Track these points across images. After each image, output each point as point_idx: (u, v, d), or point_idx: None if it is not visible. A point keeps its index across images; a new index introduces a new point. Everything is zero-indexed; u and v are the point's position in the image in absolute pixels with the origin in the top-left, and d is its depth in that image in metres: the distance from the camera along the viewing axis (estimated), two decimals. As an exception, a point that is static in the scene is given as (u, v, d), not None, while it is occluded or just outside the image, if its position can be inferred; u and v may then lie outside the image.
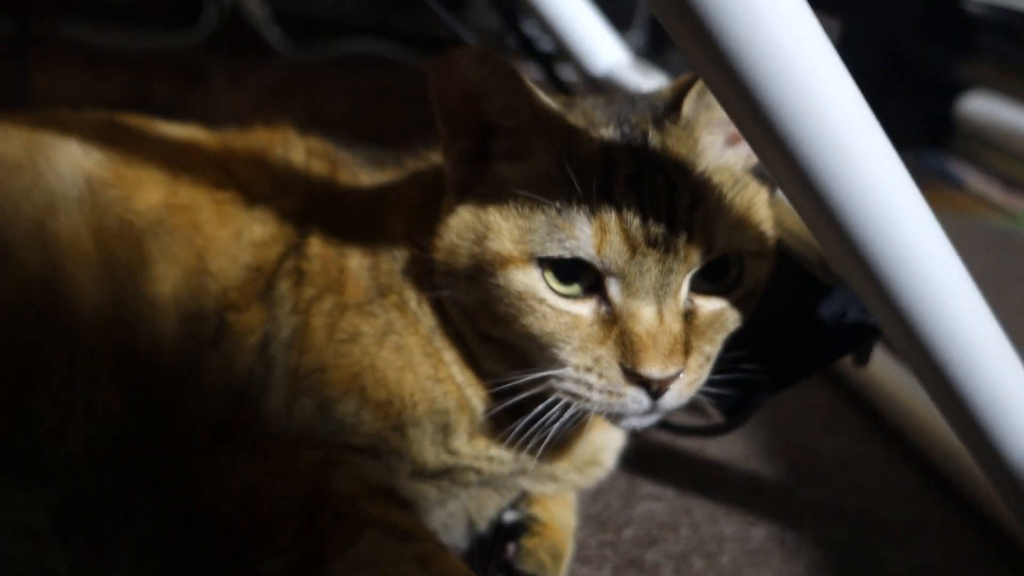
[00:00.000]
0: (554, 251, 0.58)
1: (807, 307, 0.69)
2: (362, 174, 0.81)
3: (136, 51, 2.34)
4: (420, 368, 0.66)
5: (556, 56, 1.21)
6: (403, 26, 2.78)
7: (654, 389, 0.58)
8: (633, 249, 0.57)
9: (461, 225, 0.63)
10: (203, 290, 0.67)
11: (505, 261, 0.59)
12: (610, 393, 0.59)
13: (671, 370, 0.57)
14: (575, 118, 0.62)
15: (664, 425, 0.87)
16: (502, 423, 0.65)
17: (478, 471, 0.68)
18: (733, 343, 0.66)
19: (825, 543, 0.86)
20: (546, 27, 1.16)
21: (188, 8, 2.57)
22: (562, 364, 0.60)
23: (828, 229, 0.52)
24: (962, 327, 0.56)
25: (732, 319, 0.63)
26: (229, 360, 0.66)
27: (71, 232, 0.65)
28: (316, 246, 0.71)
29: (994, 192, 2.33)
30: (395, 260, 0.69)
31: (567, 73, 1.24)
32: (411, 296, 0.68)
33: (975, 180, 2.41)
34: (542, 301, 0.59)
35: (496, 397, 0.66)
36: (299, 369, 0.66)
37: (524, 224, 0.60)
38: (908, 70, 3.33)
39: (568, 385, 0.60)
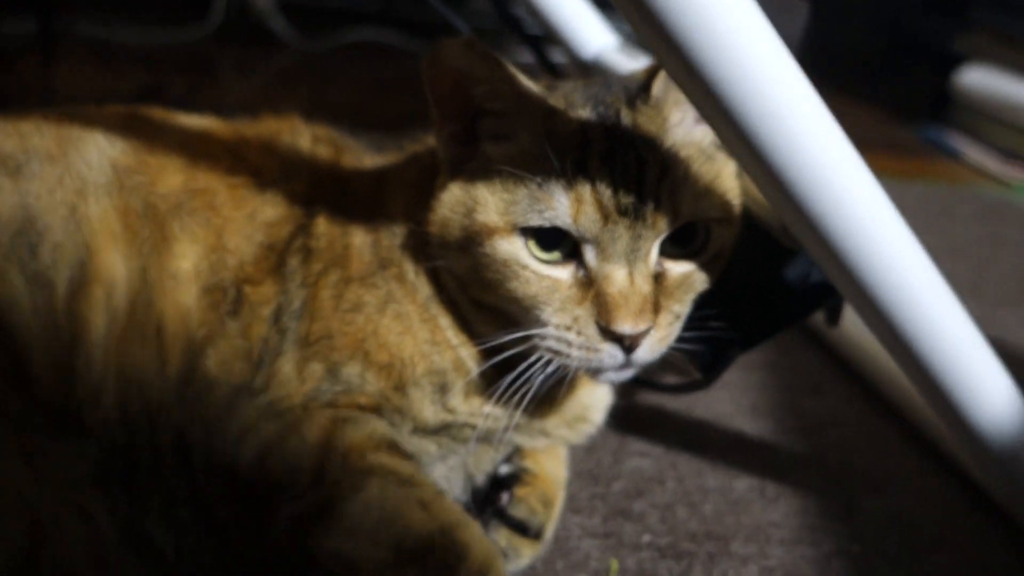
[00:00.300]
0: (535, 221, 0.64)
1: (773, 270, 0.75)
2: (365, 157, 0.87)
3: (147, 45, 2.40)
4: (418, 333, 0.72)
5: (547, 39, 1.27)
6: (407, 14, 2.83)
7: (627, 344, 0.64)
8: (606, 218, 0.63)
9: (452, 200, 0.69)
10: (222, 264, 0.73)
11: (491, 231, 0.65)
12: (588, 349, 0.65)
13: (641, 326, 0.63)
14: (555, 100, 0.68)
15: (645, 383, 0.93)
16: (494, 381, 0.71)
17: (473, 427, 0.75)
18: (706, 303, 0.72)
19: (804, 492, 0.92)
20: (535, 13, 1.21)
21: (196, 2, 2.63)
22: (544, 324, 0.66)
23: (779, 198, 0.58)
24: (908, 289, 0.62)
25: (700, 280, 0.69)
26: (247, 327, 0.72)
27: (101, 215, 0.72)
28: (322, 225, 0.77)
29: (991, 162, 2.37)
30: (394, 235, 0.75)
31: (559, 56, 1.29)
32: (409, 268, 0.74)
33: (972, 151, 2.44)
34: (525, 267, 0.65)
35: (486, 356, 0.72)
36: (309, 336, 0.72)
37: (508, 197, 0.65)
38: (908, 45, 3.35)
39: (550, 343, 0.66)
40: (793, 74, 0.55)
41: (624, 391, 0.94)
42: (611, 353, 0.65)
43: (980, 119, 2.50)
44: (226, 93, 2.18)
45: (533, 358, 0.67)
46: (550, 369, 0.67)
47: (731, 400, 1.08)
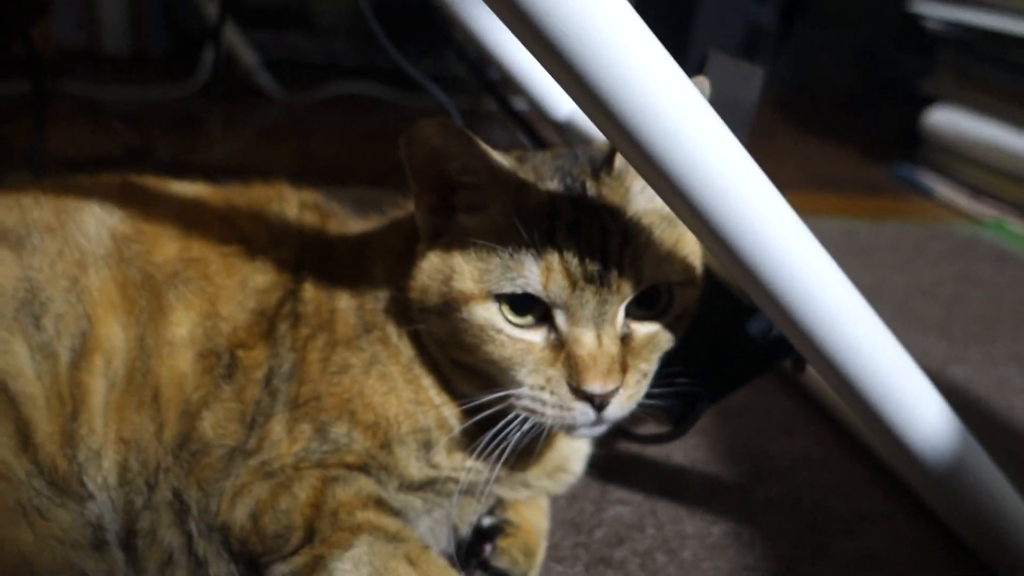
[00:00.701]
0: (508, 288, 0.68)
1: (736, 326, 0.80)
2: (349, 222, 0.91)
3: (135, 103, 2.46)
4: (402, 393, 0.76)
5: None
6: (388, 66, 2.91)
7: (598, 402, 0.68)
8: (574, 284, 0.67)
9: (431, 268, 0.73)
10: (216, 331, 0.77)
11: (468, 298, 0.70)
12: (561, 408, 0.69)
13: (610, 386, 0.67)
14: (525, 173, 0.72)
15: (621, 434, 0.97)
16: (475, 437, 0.75)
17: (456, 481, 0.78)
18: (674, 359, 0.76)
19: (778, 536, 0.95)
20: (507, 74, 1.26)
21: (183, 60, 2.70)
22: (519, 384, 0.70)
23: (729, 264, 0.63)
24: (847, 334, 0.67)
25: (665, 340, 0.73)
26: (240, 390, 0.76)
27: (100, 286, 0.75)
28: (309, 291, 0.81)
29: (961, 200, 2.44)
30: (378, 300, 0.79)
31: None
32: (392, 331, 0.78)
33: (944, 189, 2.52)
34: (500, 331, 0.69)
35: (468, 414, 0.75)
36: (298, 398, 0.76)
37: (482, 266, 0.70)
38: (881, 85, 3.45)
39: (525, 402, 0.70)
40: (733, 148, 0.60)
41: (604, 440, 0.98)
42: (583, 411, 0.69)
43: (950, 157, 2.58)
44: (214, 148, 2.23)
45: (510, 416, 0.71)
46: (527, 426, 0.71)
47: (708, 445, 1.11)
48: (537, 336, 0.70)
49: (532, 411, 0.70)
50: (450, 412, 0.77)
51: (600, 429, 0.72)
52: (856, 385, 0.69)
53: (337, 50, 3.01)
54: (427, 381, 0.77)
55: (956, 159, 2.55)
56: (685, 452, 1.09)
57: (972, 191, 2.46)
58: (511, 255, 0.68)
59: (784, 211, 0.62)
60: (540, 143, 1.36)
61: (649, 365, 0.72)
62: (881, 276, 1.81)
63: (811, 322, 0.65)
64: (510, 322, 0.69)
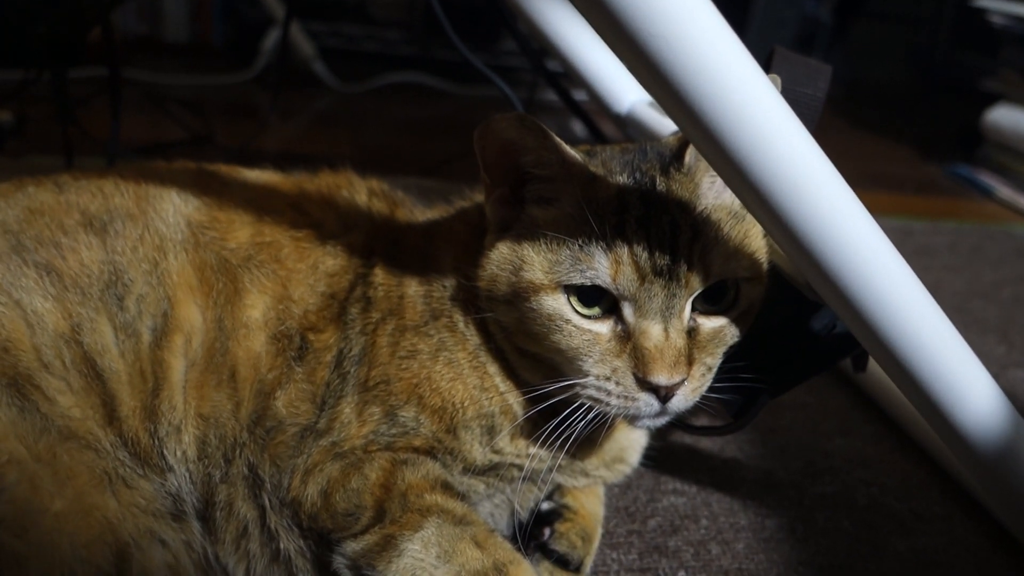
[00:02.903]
0: (577, 280, 0.70)
1: (800, 321, 0.80)
2: (416, 211, 0.93)
3: (195, 90, 2.52)
4: (468, 379, 0.78)
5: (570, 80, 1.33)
6: (441, 56, 2.93)
7: (663, 394, 0.69)
8: (642, 278, 0.68)
9: (501, 258, 0.75)
10: (288, 313, 0.80)
11: (537, 288, 0.71)
12: (626, 398, 0.70)
13: (676, 378, 0.68)
14: (595, 167, 0.73)
15: (680, 425, 0.98)
16: (538, 425, 0.77)
17: (519, 467, 0.80)
18: (737, 354, 0.77)
19: (832, 532, 0.96)
20: (568, 67, 1.27)
21: (241, 49, 2.75)
22: (585, 374, 0.71)
23: (799, 258, 0.64)
24: (911, 325, 0.67)
25: (731, 334, 0.74)
26: (311, 372, 0.78)
27: (180, 269, 0.79)
28: (379, 276, 0.83)
29: (1022, 200, 2.39)
30: (445, 288, 0.81)
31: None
32: (459, 318, 0.80)
33: (1005, 189, 2.47)
34: (568, 321, 0.71)
35: (532, 402, 0.77)
36: (368, 381, 0.78)
37: (552, 257, 0.71)
38: (939, 83, 3.38)
39: (591, 391, 0.71)
40: (810, 146, 0.60)
41: (659, 432, 0.99)
42: (647, 402, 0.70)
43: (1012, 157, 2.52)
44: (271, 136, 2.27)
45: (575, 405, 0.73)
46: (591, 416, 0.72)
47: (762, 441, 1.12)
48: (604, 327, 0.71)
49: (597, 400, 0.71)
50: (514, 399, 0.78)
51: (662, 420, 0.73)
52: (911, 368, 0.70)
53: (391, 40, 3.04)
54: (493, 368, 0.79)
55: (1018, 159, 2.50)
56: (739, 446, 1.10)
57: (1034, 191, 2.42)
58: (581, 247, 0.70)
59: (855, 206, 0.63)
60: (599, 135, 1.37)
61: (714, 359, 0.73)
62: (939, 277, 1.79)
63: (877, 313, 0.65)
64: (578, 312, 0.71)
